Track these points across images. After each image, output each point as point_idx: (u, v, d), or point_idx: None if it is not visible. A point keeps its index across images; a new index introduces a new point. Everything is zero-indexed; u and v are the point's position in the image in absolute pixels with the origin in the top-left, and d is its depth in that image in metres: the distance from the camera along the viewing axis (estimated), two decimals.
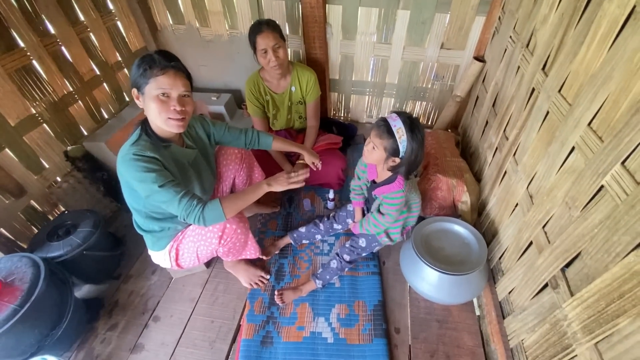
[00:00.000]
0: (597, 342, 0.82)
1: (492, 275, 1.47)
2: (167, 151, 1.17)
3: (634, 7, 0.79)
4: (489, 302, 1.40)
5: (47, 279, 1.24)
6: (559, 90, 1.08)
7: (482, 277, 1.38)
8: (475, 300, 1.52)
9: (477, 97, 1.95)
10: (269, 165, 1.87)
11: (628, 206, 0.75)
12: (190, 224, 1.32)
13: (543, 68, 1.21)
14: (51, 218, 1.71)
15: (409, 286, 1.56)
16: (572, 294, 0.92)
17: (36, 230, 1.64)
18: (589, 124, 0.92)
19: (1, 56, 1.46)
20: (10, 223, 1.53)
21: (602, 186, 0.85)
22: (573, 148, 0.98)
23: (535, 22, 1.31)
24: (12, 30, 1.51)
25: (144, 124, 1.14)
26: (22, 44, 1.55)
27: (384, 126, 1.18)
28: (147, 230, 1.32)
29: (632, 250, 0.74)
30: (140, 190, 1.09)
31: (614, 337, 0.78)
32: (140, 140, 1.10)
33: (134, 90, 1.08)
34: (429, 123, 2.40)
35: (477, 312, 1.49)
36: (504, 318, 1.32)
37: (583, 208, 0.91)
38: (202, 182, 1.32)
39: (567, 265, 0.97)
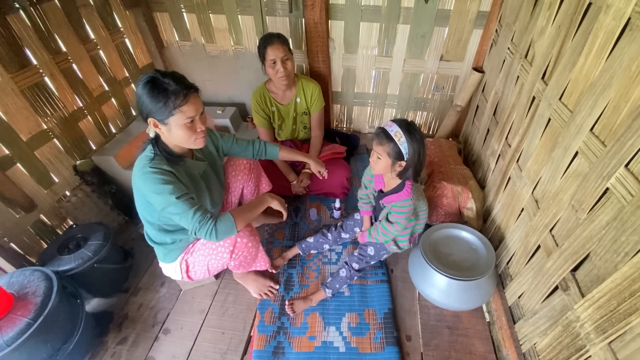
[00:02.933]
0: (611, 342, 0.84)
1: (501, 281, 1.48)
2: (182, 166, 1.20)
3: (629, 19, 0.84)
4: (499, 308, 1.41)
5: (59, 293, 1.24)
6: (560, 98, 1.12)
7: (491, 283, 1.40)
8: (484, 306, 1.53)
9: (477, 107, 2.01)
10: (275, 175, 1.89)
11: (634, 207, 0.78)
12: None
13: (543, 77, 1.26)
14: (60, 232, 1.72)
15: (418, 293, 1.57)
16: (583, 295, 0.94)
17: (45, 245, 1.64)
18: (591, 129, 0.96)
19: (15, 74, 1.50)
20: (20, 237, 1.53)
21: (607, 189, 0.88)
22: (577, 153, 1.01)
23: (532, 34, 1.37)
24: (26, 49, 1.55)
25: (157, 142, 1.14)
26: (35, 62, 1.59)
27: (383, 133, 1.23)
28: (159, 243, 1.33)
29: None
30: (156, 202, 1.11)
31: (626, 335, 0.80)
32: (156, 156, 1.13)
33: (152, 120, 1.06)
34: (431, 132, 2.45)
35: (487, 318, 1.50)
36: (514, 323, 1.33)
37: (590, 210, 0.94)
38: (212, 194, 1.34)
39: (577, 267, 0.99)
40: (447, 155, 1.84)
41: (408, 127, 1.23)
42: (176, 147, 1.17)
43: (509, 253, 1.43)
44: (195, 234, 1.12)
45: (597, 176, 0.91)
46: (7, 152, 1.48)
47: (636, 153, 0.79)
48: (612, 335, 0.83)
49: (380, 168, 1.31)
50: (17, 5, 1.50)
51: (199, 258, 1.31)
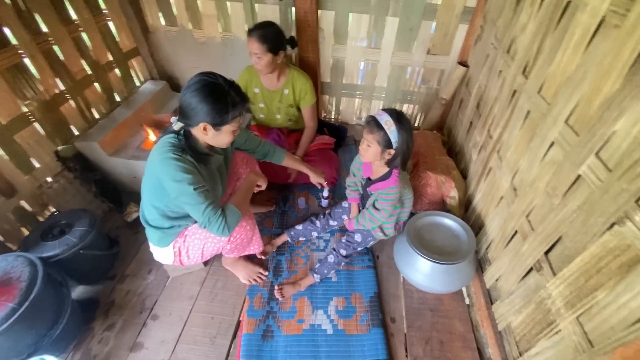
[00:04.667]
0: (579, 315, 0.92)
1: (480, 265, 1.56)
2: (205, 159, 1.20)
3: (604, 17, 0.90)
4: (478, 290, 1.49)
5: (44, 278, 1.23)
6: (539, 92, 1.19)
7: (471, 267, 1.48)
8: (464, 290, 1.61)
9: (462, 100, 2.07)
10: (268, 168, 1.88)
11: (602, 191, 0.85)
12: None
13: (523, 72, 1.32)
14: (41, 219, 1.67)
15: (403, 278, 1.63)
16: (554, 274, 1.02)
17: (26, 232, 1.60)
18: (566, 120, 1.02)
19: None
20: (1, 224, 1.49)
21: (579, 175, 0.94)
22: (552, 143, 1.08)
23: (514, 30, 1.43)
24: (4, 27, 1.49)
25: (186, 137, 1.14)
26: (14, 42, 1.53)
27: (373, 121, 1.27)
28: (156, 227, 1.32)
29: (607, 230, 0.83)
30: (172, 189, 1.11)
31: (593, 309, 0.87)
32: (179, 146, 1.12)
33: (204, 125, 1.08)
34: (416, 125, 2.51)
35: (467, 301, 1.58)
36: (492, 304, 1.41)
37: (563, 196, 1.01)
38: (223, 185, 1.36)
39: (550, 249, 1.07)
40: (432, 147, 1.90)
41: (398, 116, 1.27)
42: (206, 144, 1.18)
43: (488, 239, 1.51)
44: (204, 227, 1.14)
45: (571, 164, 0.98)
46: None
47: (605, 142, 0.86)
48: (580, 309, 0.91)
49: (369, 156, 1.35)
50: None
51: (194, 242, 1.32)
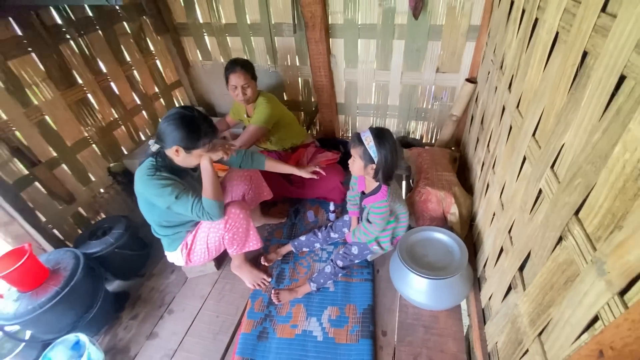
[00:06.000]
0: (540, 333, 0.89)
1: (479, 284, 1.52)
2: (180, 174, 1.41)
3: (557, 33, 0.92)
4: (473, 310, 1.45)
5: (84, 269, 1.51)
6: (517, 106, 1.19)
7: (464, 283, 1.44)
8: (465, 310, 1.56)
9: (472, 116, 2.05)
10: (273, 178, 2.02)
11: (553, 205, 0.85)
12: (197, 224, 1.57)
13: (509, 87, 1.32)
14: (92, 222, 2.03)
15: (400, 294, 1.64)
16: (524, 291, 0.99)
17: (80, 232, 1.95)
18: (533, 134, 1.02)
19: (64, 91, 1.84)
20: (61, 225, 1.85)
21: (540, 189, 0.94)
22: (525, 157, 1.08)
23: (504, 46, 1.44)
24: (73, 71, 1.90)
25: (163, 158, 1.34)
26: (80, 81, 1.94)
27: (356, 137, 1.36)
28: (163, 235, 1.56)
29: (557, 244, 0.82)
30: (159, 202, 1.33)
31: (549, 326, 0.85)
32: (154, 167, 1.32)
33: (177, 147, 1.26)
34: (431, 141, 2.50)
35: (467, 322, 1.53)
36: (484, 324, 1.36)
37: (531, 210, 1.00)
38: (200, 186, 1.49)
39: (523, 265, 1.04)
40: (437, 163, 1.90)
41: (378, 133, 1.35)
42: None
43: (484, 257, 1.47)
44: (199, 219, 1.36)
45: (535, 177, 0.97)
46: (54, 154, 1.82)
47: (557, 155, 0.86)
48: (540, 326, 0.88)
49: (355, 169, 1.44)
50: (68, 36, 1.86)
51: (200, 236, 1.53)
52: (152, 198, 1.33)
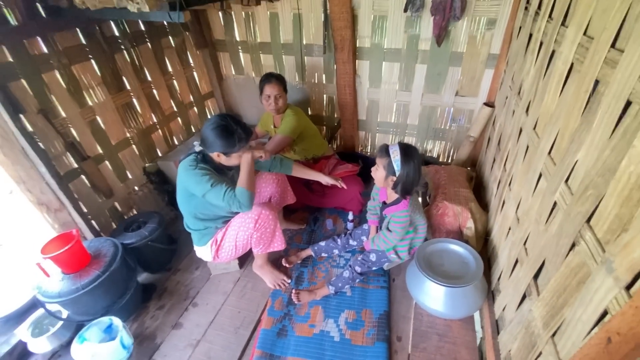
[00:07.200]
0: (553, 334, 0.96)
1: (493, 297, 1.57)
2: (220, 171, 1.56)
3: (572, 63, 1.04)
4: (487, 322, 1.50)
5: (122, 257, 1.63)
6: (534, 128, 1.30)
7: (478, 294, 1.51)
8: (478, 322, 1.61)
9: (489, 138, 2.16)
10: (295, 186, 2.15)
11: (567, 215, 0.94)
12: (227, 223, 1.69)
13: (526, 111, 1.43)
14: (125, 217, 2.17)
15: (415, 303, 1.70)
16: (539, 297, 1.06)
17: (114, 226, 2.09)
18: (549, 153, 1.12)
19: (114, 95, 2.03)
20: (99, 217, 1.99)
21: (555, 202, 1.03)
22: (540, 174, 1.17)
23: (523, 74, 1.56)
24: (124, 77, 2.10)
25: (205, 156, 1.52)
26: (128, 87, 2.13)
27: (384, 148, 1.48)
28: (194, 229, 1.68)
29: (570, 250, 0.91)
30: (197, 190, 1.46)
31: (562, 327, 0.92)
32: (197, 161, 1.49)
33: (218, 153, 1.45)
34: (447, 160, 2.61)
35: (481, 334, 1.58)
36: (498, 334, 1.41)
37: (546, 222, 1.08)
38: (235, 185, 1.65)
39: (537, 274, 1.12)
40: (454, 180, 2.00)
41: (406, 149, 1.46)
42: (220, 164, 1.55)
43: (499, 270, 1.53)
44: (229, 207, 1.45)
45: (550, 192, 1.07)
46: (100, 151, 1.98)
47: (571, 170, 0.96)
48: (553, 327, 0.95)
49: (377, 177, 1.55)
50: (123, 47, 2.06)
51: (229, 234, 1.64)
52: (191, 186, 1.47)
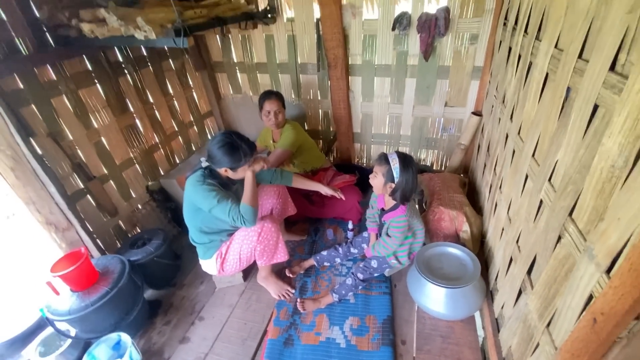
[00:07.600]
0: (548, 324, 1.02)
1: (492, 296, 1.63)
2: (226, 185, 1.63)
3: (547, 74, 1.14)
4: (487, 321, 1.55)
5: (129, 274, 1.66)
6: (518, 133, 1.39)
7: (478, 294, 1.56)
8: (479, 322, 1.66)
9: (479, 146, 2.26)
10: (295, 200, 2.21)
11: (551, 210, 1.02)
12: (231, 236, 1.74)
13: (511, 118, 1.54)
14: (129, 235, 2.20)
15: (417, 307, 1.75)
16: (532, 290, 1.13)
17: (119, 245, 2.12)
18: (533, 155, 1.21)
19: (118, 116, 2.11)
20: (104, 236, 2.03)
21: (541, 200, 1.11)
22: (527, 175, 1.26)
23: (505, 84, 1.67)
24: (127, 99, 2.18)
25: (212, 171, 1.59)
26: (131, 109, 2.21)
27: (383, 156, 1.56)
28: (199, 243, 1.73)
29: (557, 242, 0.98)
30: (204, 205, 1.52)
31: (555, 316, 0.98)
32: (204, 176, 1.56)
33: (225, 169, 1.52)
34: (440, 168, 2.70)
35: (482, 334, 1.62)
36: (498, 332, 1.46)
37: (534, 219, 1.16)
38: (238, 197, 1.70)
39: (530, 269, 1.19)
40: (448, 186, 2.08)
41: (404, 158, 1.55)
42: (225, 177, 1.61)
43: (496, 269, 1.60)
44: (233, 222, 1.51)
45: (536, 191, 1.15)
46: (105, 171, 2.04)
47: (553, 169, 1.04)
48: (547, 317, 1.01)
49: (375, 184, 1.63)
50: (126, 71, 2.16)
51: (233, 247, 1.69)
52: (198, 201, 1.53)
